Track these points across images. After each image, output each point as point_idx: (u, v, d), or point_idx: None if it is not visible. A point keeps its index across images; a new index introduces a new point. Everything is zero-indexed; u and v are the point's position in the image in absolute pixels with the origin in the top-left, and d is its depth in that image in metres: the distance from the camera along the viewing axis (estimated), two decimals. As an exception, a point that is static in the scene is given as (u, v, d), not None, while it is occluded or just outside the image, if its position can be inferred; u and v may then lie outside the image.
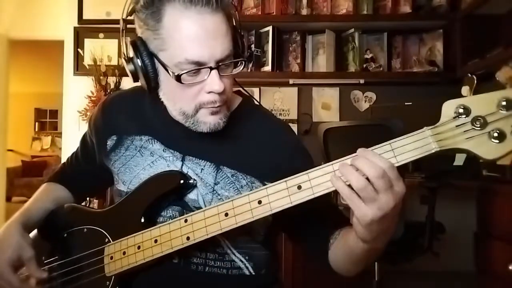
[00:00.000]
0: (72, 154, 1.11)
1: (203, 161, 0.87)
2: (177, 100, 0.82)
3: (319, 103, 2.94)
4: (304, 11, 2.74)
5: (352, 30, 2.75)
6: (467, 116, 0.61)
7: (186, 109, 0.81)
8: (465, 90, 0.61)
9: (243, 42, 0.85)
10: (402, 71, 2.80)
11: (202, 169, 0.86)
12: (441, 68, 2.70)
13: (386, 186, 0.61)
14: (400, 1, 2.69)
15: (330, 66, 2.79)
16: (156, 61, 0.79)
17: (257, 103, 1.00)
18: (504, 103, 0.60)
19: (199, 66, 0.76)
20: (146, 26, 0.78)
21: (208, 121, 0.81)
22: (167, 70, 0.77)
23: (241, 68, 0.82)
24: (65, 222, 0.95)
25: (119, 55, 2.94)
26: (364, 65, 2.78)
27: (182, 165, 0.87)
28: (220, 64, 0.77)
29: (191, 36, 0.75)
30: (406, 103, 2.57)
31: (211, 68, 0.76)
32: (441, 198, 2.01)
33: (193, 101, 0.80)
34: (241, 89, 0.97)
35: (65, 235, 0.93)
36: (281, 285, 0.97)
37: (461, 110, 0.62)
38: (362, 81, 2.78)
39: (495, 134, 0.60)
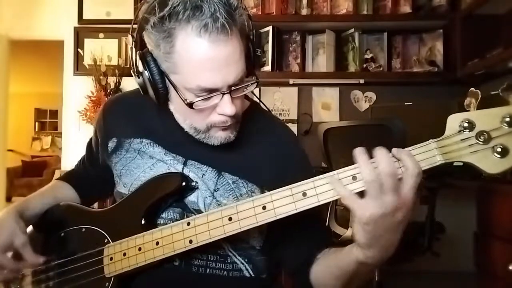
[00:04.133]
0: (81, 157, 1.12)
1: (205, 166, 0.86)
2: (187, 117, 0.82)
3: (319, 103, 2.94)
4: (304, 11, 2.74)
5: (352, 30, 2.75)
6: (471, 130, 0.63)
7: (198, 126, 0.81)
8: (468, 103, 0.62)
9: (255, 51, 0.83)
10: (402, 71, 2.80)
11: (203, 174, 0.86)
12: (441, 68, 2.70)
13: (392, 187, 0.60)
14: (400, 1, 2.69)
15: (330, 66, 2.79)
16: (166, 81, 0.78)
17: (265, 108, 0.99)
18: (507, 119, 0.61)
19: (211, 93, 0.75)
20: (158, 48, 0.76)
21: (219, 135, 0.82)
22: (178, 94, 0.77)
23: (253, 88, 0.80)
24: (61, 220, 0.94)
25: (119, 55, 2.94)
26: (364, 65, 2.78)
27: (184, 168, 0.87)
28: (232, 88, 0.76)
29: (204, 64, 0.73)
30: (406, 103, 2.57)
31: (224, 93, 0.75)
32: (441, 198, 2.01)
33: (204, 121, 0.80)
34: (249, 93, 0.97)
35: (62, 234, 0.93)
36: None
37: (465, 125, 0.63)
38: (362, 81, 2.78)
39: (499, 149, 0.61)
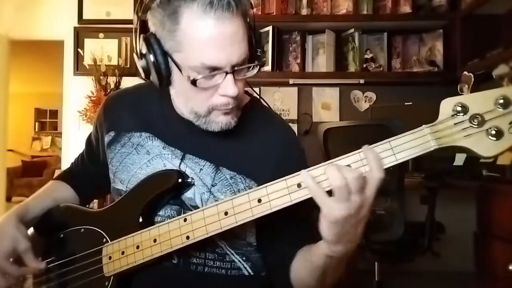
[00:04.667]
0: (79, 155, 1.11)
1: (203, 160, 0.86)
2: (189, 100, 0.82)
3: (319, 103, 2.94)
4: (304, 11, 2.74)
5: (352, 30, 2.75)
6: (465, 114, 0.62)
7: (198, 110, 0.81)
8: (462, 88, 0.61)
9: (256, 41, 0.84)
10: (402, 71, 2.80)
11: (201, 169, 0.86)
12: (441, 68, 2.70)
13: (359, 188, 0.62)
14: (400, 1, 2.69)
15: (330, 66, 2.79)
16: (169, 61, 0.78)
17: (265, 104, 0.98)
18: (501, 101, 0.60)
19: (215, 71, 0.75)
20: (162, 26, 0.76)
21: (220, 120, 0.81)
22: (181, 72, 0.77)
23: (255, 72, 0.81)
24: (61, 222, 0.94)
25: (119, 55, 2.94)
26: (364, 65, 2.78)
27: (181, 163, 0.87)
28: (235, 68, 0.76)
29: (209, 41, 0.73)
30: (406, 103, 2.57)
31: (227, 73, 0.76)
32: (441, 198, 2.01)
33: (206, 102, 0.79)
34: (249, 89, 0.96)
35: (62, 235, 0.93)
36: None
37: (459, 108, 0.62)
38: (362, 81, 2.78)
39: (493, 132, 0.60)
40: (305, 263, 0.78)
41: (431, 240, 1.97)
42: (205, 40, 0.73)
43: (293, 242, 0.83)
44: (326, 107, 2.94)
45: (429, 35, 2.77)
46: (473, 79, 0.64)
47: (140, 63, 0.81)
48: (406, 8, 2.67)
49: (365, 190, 0.63)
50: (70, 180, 1.07)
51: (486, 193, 1.79)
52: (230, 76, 0.76)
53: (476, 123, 0.61)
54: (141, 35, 0.80)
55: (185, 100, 0.83)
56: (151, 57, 0.78)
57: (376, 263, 2.18)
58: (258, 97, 0.98)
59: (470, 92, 0.63)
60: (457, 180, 2.08)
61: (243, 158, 0.87)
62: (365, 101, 2.91)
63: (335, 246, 0.67)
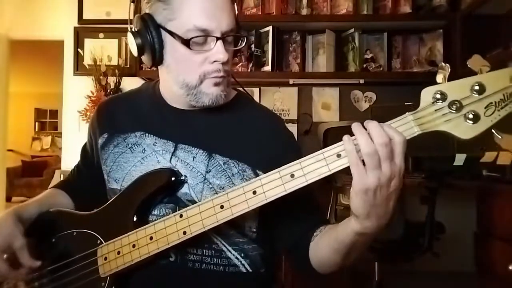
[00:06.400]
0: (75, 166, 1.12)
1: (195, 148, 0.88)
2: (181, 72, 0.85)
3: (319, 103, 2.94)
4: (304, 11, 2.74)
5: (352, 30, 2.74)
6: (443, 101, 0.66)
7: (190, 80, 0.84)
8: (440, 77, 0.65)
9: (241, 27, 0.90)
10: (402, 71, 2.79)
11: (194, 157, 0.87)
12: (441, 68, 2.70)
13: (388, 156, 0.62)
14: (400, 1, 2.69)
15: (330, 66, 2.79)
16: (162, 34, 0.83)
17: (251, 98, 1.03)
18: (477, 87, 0.65)
19: (206, 34, 0.81)
20: None
21: (210, 92, 0.84)
22: (174, 38, 0.81)
23: (242, 45, 0.88)
24: (52, 226, 0.93)
25: (119, 55, 2.94)
26: (364, 65, 2.77)
27: (172, 157, 0.88)
28: (225, 36, 0.82)
29: (200, 5, 0.80)
30: (406, 103, 2.57)
31: (217, 38, 0.81)
32: (441, 198, 2.01)
33: (197, 70, 0.83)
34: (239, 87, 1.00)
35: (54, 240, 0.92)
36: (281, 285, 0.97)
37: (438, 96, 0.66)
38: (362, 81, 2.78)
39: (470, 116, 0.64)
40: (329, 243, 0.78)
41: (431, 240, 1.97)
42: (197, 4, 0.80)
43: (304, 221, 0.86)
44: (326, 107, 2.94)
45: (429, 35, 2.76)
46: (449, 69, 0.68)
47: (135, 41, 0.85)
48: (406, 8, 2.67)
49: (394, 159, 0.63)
50: (67, 188, 1.07)
51: (486, 193, 1.79)
52: (220, 42, 0.81)
53: (454, 109, 0.65)
54: (136, 15, 0.86)
55: (176, 74, 0.86)
56: (144, 33, 0.83)
57: (376, 263, 2.18)
58: (245, 91, 1.02)
59: (447, 81, 0.67)
60: (457, 180, 2.08)
61: (233, 143, 0.89)
62: (365, 101, 2.91)
63: (366, 220, 0.67)
